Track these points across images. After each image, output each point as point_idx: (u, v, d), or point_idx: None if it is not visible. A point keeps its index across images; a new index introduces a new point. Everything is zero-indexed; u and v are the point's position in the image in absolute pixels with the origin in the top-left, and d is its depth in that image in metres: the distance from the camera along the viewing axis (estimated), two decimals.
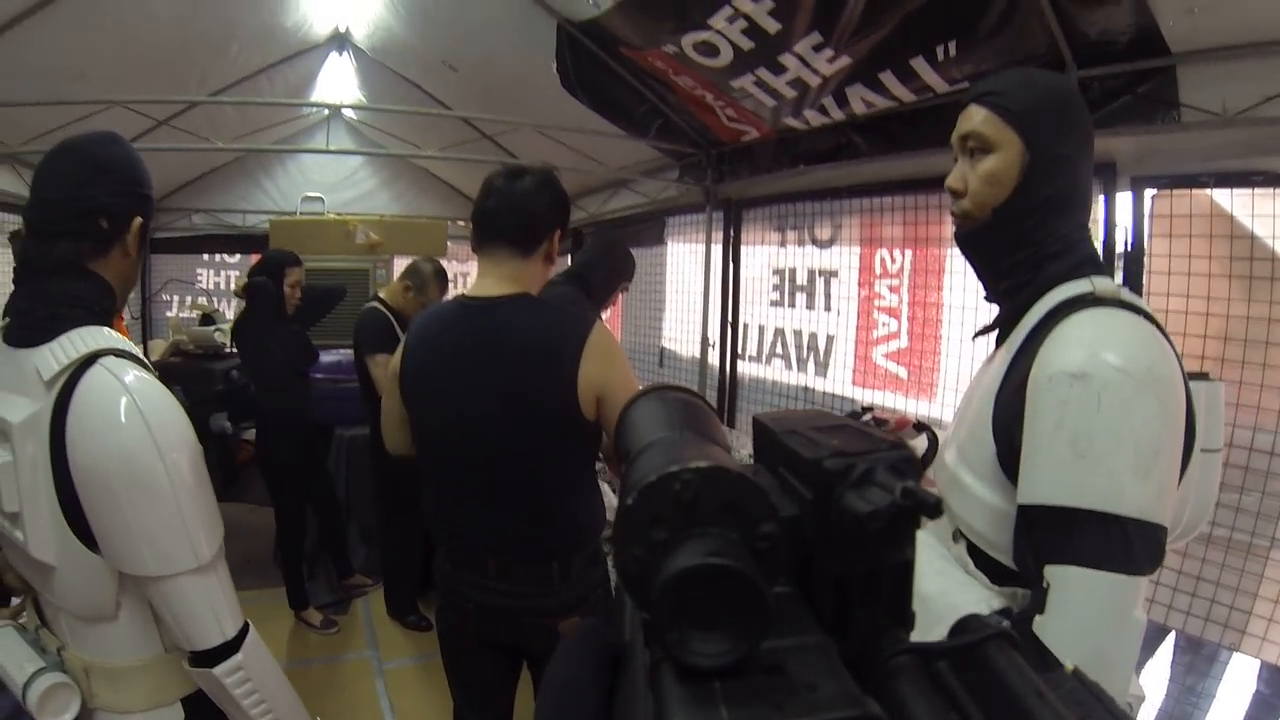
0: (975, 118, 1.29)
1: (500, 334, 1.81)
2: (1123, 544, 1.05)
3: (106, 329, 1.33)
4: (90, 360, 1.26)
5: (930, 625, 1.18)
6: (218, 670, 1.32)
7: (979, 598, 1.20)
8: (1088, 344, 1.11)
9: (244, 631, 1.37)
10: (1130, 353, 1.10)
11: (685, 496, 0.34)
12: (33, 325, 1.30)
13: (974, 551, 1.28)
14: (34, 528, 1.25)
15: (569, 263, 3.43)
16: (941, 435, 1.59)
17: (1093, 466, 1.07)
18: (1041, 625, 1.07)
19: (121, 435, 1.22)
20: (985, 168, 1.28)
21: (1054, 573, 1.08)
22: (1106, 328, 1.14)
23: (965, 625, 0.35)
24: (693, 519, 0.34)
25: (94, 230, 1.34)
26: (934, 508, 0.33)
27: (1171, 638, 2.52)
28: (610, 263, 3.30)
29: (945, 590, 1.23)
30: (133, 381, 1.26)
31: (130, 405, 1.24)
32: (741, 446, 3.81)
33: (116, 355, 1.29)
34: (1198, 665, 2.47)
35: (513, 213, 1.84)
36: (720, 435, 0.50)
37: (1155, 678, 2.53)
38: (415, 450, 2.00)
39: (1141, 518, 1.06)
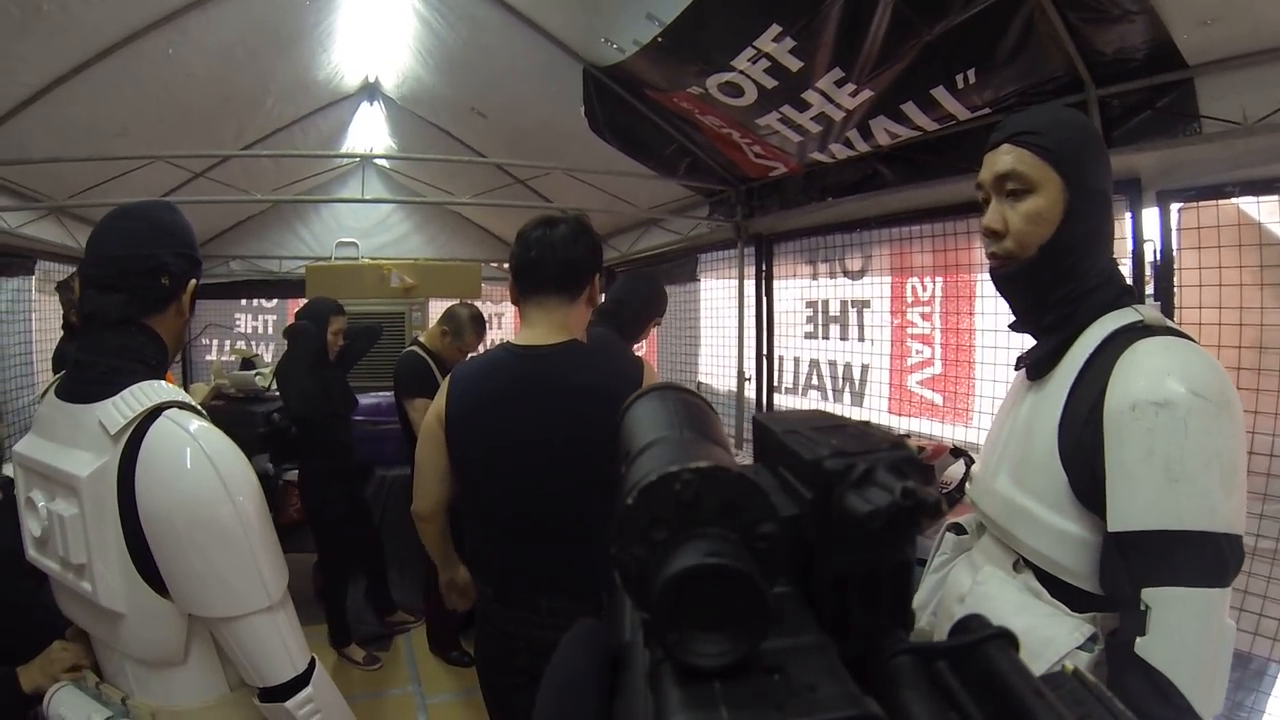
0: (1012, 157, 1.31)
1: (557, 379, 1.85)
2: (1217, 559, 1.10)
3: (164, 383, 1.38)
4: (155, 413, 1.31)
5: (1027, 661, 1.19)
6: (290, 704, 1.36)
7: (1070, 627, 1.21)
8: (1164, 373, 1.15)
9: (312, 664, 1.41)
10: (1204, 378, 1.14)
11: (685, 496, 0.34)
12: (91, 380, 1.35)
13: (1045, 579, 1.29)
14: (102, 577, 1.29)
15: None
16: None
17: (1188, 489, 1.10)
18: (1146, 647, 1.09)
19: (191, 482, 1.27)
20: (1029, 208, 1.30)
21: (1155, 595, 1.10)
22: (1176, 357, 1.18)
23: (965, 625, 0.35)
24: (693, 519, 0.34)
25: (156, 287, 1.40)
26: (934, 507, 0.34)
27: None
28: (641, 299, 3.35)
29: (1034, 625, 1.24)
30: (198, 431, 1.31)
31: (198, 453, 1.29)
32: None
33: (179, 407, 1.34)
34: (1246, 680, 2.40)
35: (556, 262, 1.88)
36: (720, 435, 0.50)
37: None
38: (460, 497, 2.02)
39: (1230, 531, 1.11)
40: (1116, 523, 1.15)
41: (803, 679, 0.31)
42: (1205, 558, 1.10)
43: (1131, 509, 1.14)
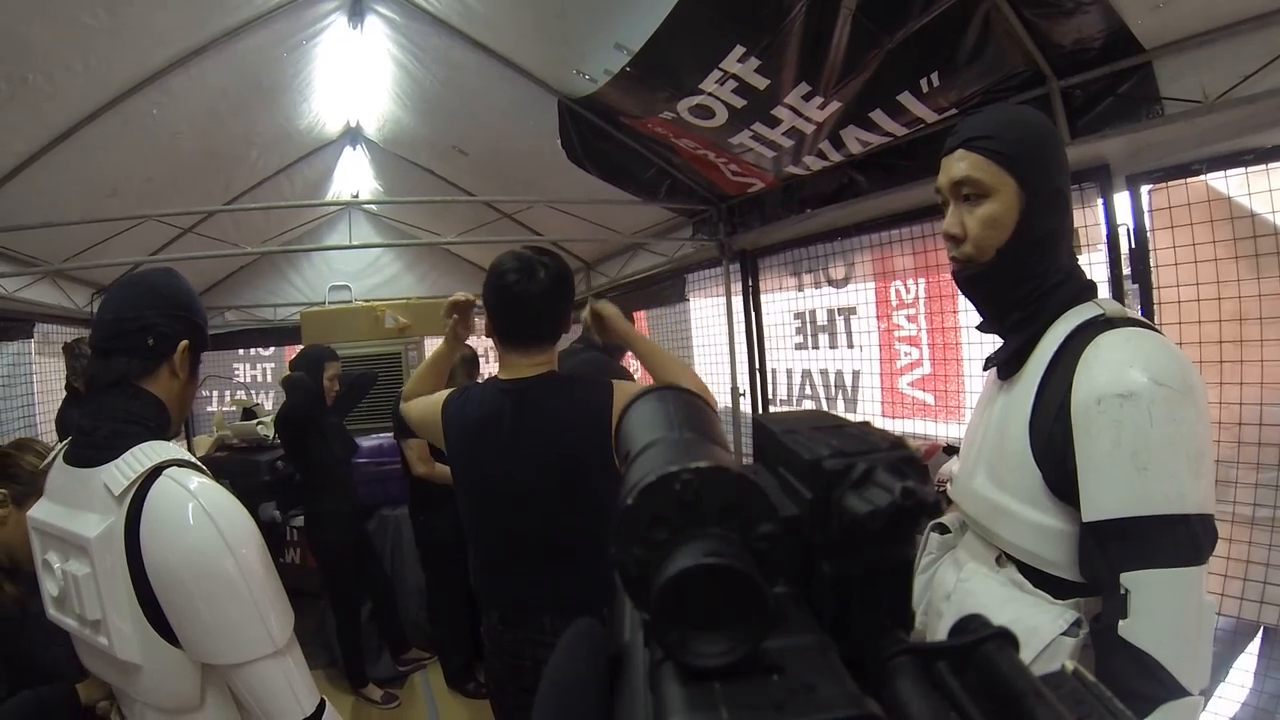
0: (966, 164, 1.32)
1: (540, 408, 1.93)
2: (1190, 539, 1.13)
3: (164, 443, 1.42)
4: (156, 472, 1.34)
5: None
6: None
7: (1054, 615, 1.24)
8: (1126, 365, 1.19)
9: (321, 706, 1.44)
10: (1166, 367, 1.18)
11: (685, 496, 0.34)
12: (95, 444, 1.39)
13: (1027, 571, 1.32)
14: (117, 631, 1.32)
15: None
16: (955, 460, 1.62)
17: (1157, 475, 1.14)
18: (1130, 629, 1.13)
19: (193, 537, 1.31)
20: (984, 212, 1.31)
21: (1132, 578, 1.13)
22: (1138, 348, 1.21)
23: (965, 625, 0.34)
24: (693, 519, 0.34)
25: (142, 348, 1.43)
26: (934, 507, 0.34)
27: (1260, 633, 2.45)
28: None
29: (1020, 616, 1.26)
30: (197, 488, 1.35)
31: (198, 509, 1.32)
32: None
33: (179, 465, 1.37)
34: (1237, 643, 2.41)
35: (537, 315, 1.96)
36: (720, 435, 0.50)
37: (1242, 674, 2.47)
38: (463, 524, 2.08)
39: (1201, 512, 1.14)
40: (1090, 513, 1.18)
41: (803, 679, 0.31)
42: (1178, 539, 1.13)
43: (1104, 498, 1.17)
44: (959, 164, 1.33)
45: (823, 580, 0.37)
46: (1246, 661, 2.44)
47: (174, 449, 1.41)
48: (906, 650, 0.34)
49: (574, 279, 2.07)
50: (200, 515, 1.31)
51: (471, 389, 2.10)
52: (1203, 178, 2.49)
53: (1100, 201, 2.81)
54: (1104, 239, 2.80)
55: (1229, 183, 2.43)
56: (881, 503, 0.34)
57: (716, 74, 3.24)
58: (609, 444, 1.84)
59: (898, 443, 0.38)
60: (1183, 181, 2.54)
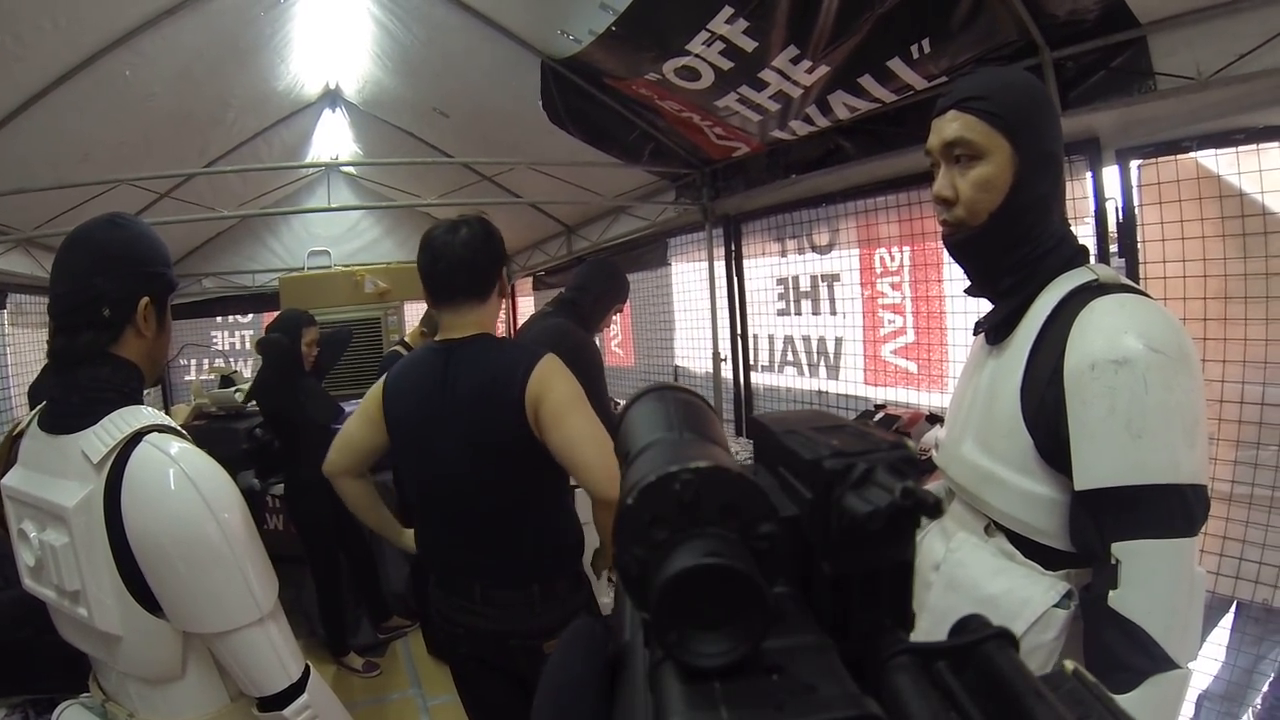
0: (959, 124, 1.29)
1: (459, 374, 1.91)
2: (1183, 510, 1.13)
3: (143, 407, 1.38)
4: (135, 438, 1.31)
5: (1005, 623, 1.22)
6: (288, 711, 1.38)
7: (1045, 586, 1.24)
8: (1121, 331, 1.17)
9: (306, 672, 1.43)
10: (1161, 334, 1.16)
11: (685, 496, 0.33)
12: (69, 412, 1.36)
13: (1017, 540, 1.31)
14: (97, 602, 1.30)
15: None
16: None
17: (1151, 444, 1.12)
18: (1121, 599, 1.12)
19: (175, 503, 1.28)
20: (978, 175, 1.29)
21: (1124, 548, 1.13)
22: (1133, 314, 1.19)
23: (965, 625, 0.35)
24: (692, 519, 0.33)
25: (99, 319, 1.37)
26: (934, 508, 0.33)
27: (1234, 608, 2.49)
28: (600, 286, 3.38)
29: (1010, 587, 1.26)
30: (178, 452, 1.32)
31: (179, 474, 1.29)
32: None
33: (159, 431, 1.34)
34: (1270, 634, 2.44)
35: (463, 268, 1.94)
36: (720, 435, 0.50)
37: (1215, 648, 2.51)
38: (407, 491, 2.08)
39: (1194, 481, 1.13)
40: (1083, 481, 1.17)
41: (803, 679, 0.31)
42: (1171, 509, 1.12)
43: (1097, 466, 1.16)
44: (952, 124, 1.30)
45: (823, 580, 0.37)
46: (1220, 635, 2.48)
47: (153, 414, 1.38)
48: (906, 650, 0.34)
49: (503, 242, 2.04)
50: (182, 480, 1.29)
51: (407, 358, 2.09)
52: (1193, 155, 2.49)
53: (1089, 175, 2.80)
54: (1091, 212, 2.79)
55: (1219, 161, 2.43)
56: (881, 503, 0.34)
57: (704, 35, 3.20)
58: (521, 408, 1.84)
59: (898, 443, 0.38)
60: (1173, 158, 2.54)
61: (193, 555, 1.28)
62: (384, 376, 2.07)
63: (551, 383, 1.86)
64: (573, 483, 1.96)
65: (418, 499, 2.05)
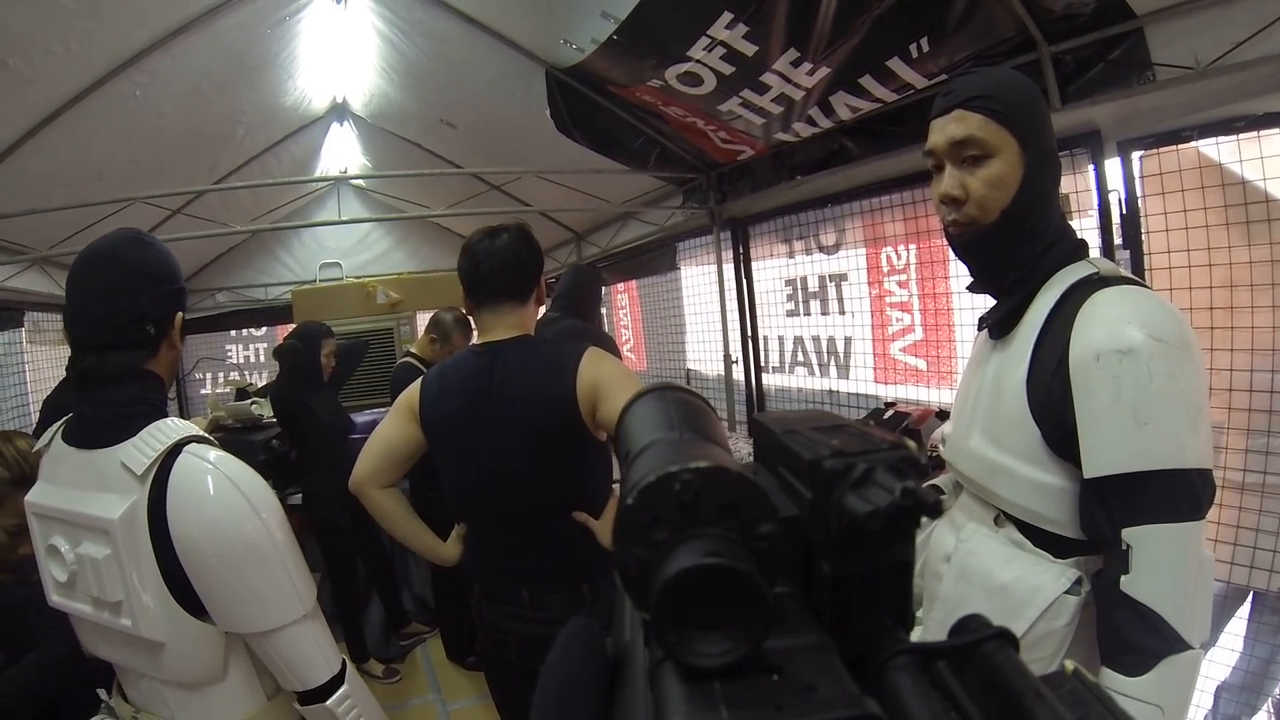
0: (968, 123, 1.30)
1: (508, 374, 1.92)
2: (1190, 494, 1.15)
3: (174, 419, 1.41)
4: (176, 449, 1.35)
5: (1017, 611, 1.25)
6: (330, 702, 1.43)
7: (1056, 574, 1.26)
8: (1124, 321, 1.19)
9: (344, 664, 1.48)
10: (1162, 323, 1.18)
11: (685, 496, 0.33)
12: (100, 426, 1.38)
13: (1027, 530, 1.33)
14: (142, 610, 1.33)
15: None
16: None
17: (1157, 430, 1.15)
18: (1132, 584, 1.15)
19: (220, 508, 1.32)
20: (989, 173, 1.30)
21: (1134, 534, 1.15)
22: (1134, 305, 1.21)
23: (965, 625, 0.35)
24: (693, 519, 0.33)
25: (142, 338, 1.41)
26: (934, 508, 0.33)
27: (1250, 598, 2.50)
28: (589, 288, 3.68)
29: (1022, 575, 1.28)
30: (218, 460, 1.36)
31: (223, 480, 1.34)
32: None
33: (197, 441, 1.38)
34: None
35: (505, 270, 1.96)
36: (720, 435, 0.49)
37: (1232, 638, 2.52)
38: (448, 497, 2.07)
39: (1200, 466, 1.16)
40: (1092, 469, 1.19)
41: (803, 679, 0.31)
42: (1178, 493, 1.14)
43: (1105, 454, 1.18)
44: (958, 125, 1.32)
45: (823, 580, 0.37)
46: (1237, 625, 2.48)
47: (188, 425, 1.41)
48: (906, 650, 0.34)
49: (541, 249, 2.07)
50: (226, 486, 1.34)
51: (446, 363, 2.08)
52: (1194, 144, 2.49)
53: (1091, 167, 2.81)
54: (1095, 205, 2.80)
55: (1220, 149, 2.43)
56: (881, 503, 0.34)
57: (704, 41, 3.22)
58: (574, 399, 1.86)
59: (898, 443, 0.38)
60: (1174, 148, 2.54)
61: (241, 558, 1.33)
62: (420, 380, 2.06)
63: (602, 364, 1.89)
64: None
65: (463, 503, 2.05)
